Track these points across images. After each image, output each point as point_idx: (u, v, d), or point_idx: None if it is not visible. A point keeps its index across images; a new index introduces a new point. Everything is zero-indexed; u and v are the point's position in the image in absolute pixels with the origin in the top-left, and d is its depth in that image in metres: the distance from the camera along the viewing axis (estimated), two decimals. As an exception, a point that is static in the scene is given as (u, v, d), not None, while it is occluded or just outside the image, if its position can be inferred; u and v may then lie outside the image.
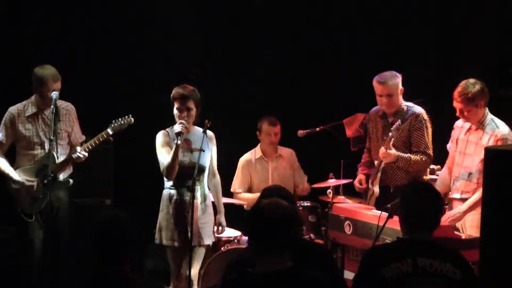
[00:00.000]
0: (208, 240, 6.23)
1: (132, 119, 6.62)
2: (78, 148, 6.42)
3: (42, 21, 8.18)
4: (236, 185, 7.69)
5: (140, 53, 8.42)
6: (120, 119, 6.56)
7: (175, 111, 6.15)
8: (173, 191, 6.16)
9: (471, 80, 6.01)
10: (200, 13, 8.50)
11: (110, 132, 6.53)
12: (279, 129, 7.59)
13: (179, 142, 5.95)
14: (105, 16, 8.31)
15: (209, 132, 6.26)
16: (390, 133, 6.31)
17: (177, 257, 6.20)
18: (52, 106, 6.19)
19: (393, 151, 6.31)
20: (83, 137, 6.65)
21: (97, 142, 6.48)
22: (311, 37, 8.63)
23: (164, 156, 6.10)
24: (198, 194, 6.12)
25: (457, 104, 6.00)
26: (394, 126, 6.29)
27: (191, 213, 5.95)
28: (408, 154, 6.42)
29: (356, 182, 6.82)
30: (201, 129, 6.20)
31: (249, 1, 8.53)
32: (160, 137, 6.21)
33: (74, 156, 6.41)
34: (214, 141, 6.33)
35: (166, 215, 6.17)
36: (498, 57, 8.24)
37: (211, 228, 6.30)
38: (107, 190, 7.71)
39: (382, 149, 6.34)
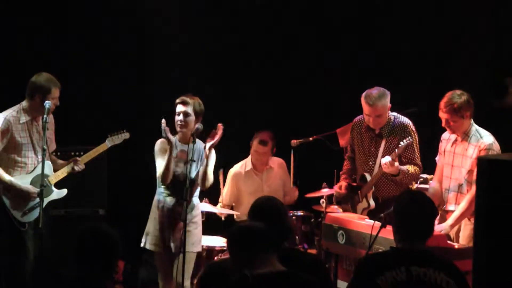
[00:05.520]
0: (193, 248, 6.24)
1: (128, 134, 6.68)
2: (79, 159, 6.49)
3: (36, 26, 8.19)
4: (222, 197, 7.67)
5: (135, 60, 8.43)
6: (116, 133, 6.62)
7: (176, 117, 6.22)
8: (162, 198, 6.24)
9: (458, 91, 6.07)
10: (199, 15, 8.53)
11: (109, 145, 6.59)
12: (269, 149, 7.53)
13: (174, 152, 6.09)
14: (100, 22, 8.35)
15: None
16: (396, 150, 6.32)
17: (162, 262, 6.31)
18: (45, 116, 6.16)
19: (397, 163, 6.32)
20: (55, 146, 6.66)
21: (95, 154, 6.57)
22: (308, 47, 8.65)
23: (160, 163, 6.18)
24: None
25: (443, 115, 6.06)
26: (404, 143, 6.29)
27: (183, 222, 5.98)
28: (406, 167, 6.44)
29: (336, 187, 6.85)
30: (200, 142, 6.24)
31: (249, 6, 8.55)
32: (158, 144, 6.29)
33: (76, 168, 6.45)
34: (212, 156, 6.29)
35: (154, 221, 6.27)
36: (492, 68, 8.26)
37: (198, 237, 6.34)
38: (100, 199, 7.70)
39: (388, 159, 6.28)
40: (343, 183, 6.81)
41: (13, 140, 6.30)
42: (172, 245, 6.19)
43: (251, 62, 8.52)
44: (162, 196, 6.27)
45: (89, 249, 4.05)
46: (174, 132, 6.29)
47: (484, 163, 4.01)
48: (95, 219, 7.49)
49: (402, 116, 6.60)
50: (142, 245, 6.34)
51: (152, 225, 6.30)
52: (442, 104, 6.05)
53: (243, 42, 8.54)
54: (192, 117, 6.20)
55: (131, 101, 8.36)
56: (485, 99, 7.91)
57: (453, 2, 8.36)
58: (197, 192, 6.34)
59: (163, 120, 6.09)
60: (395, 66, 8.37)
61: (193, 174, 6.16)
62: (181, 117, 6.19)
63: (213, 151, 6.25)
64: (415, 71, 8.37)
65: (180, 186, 6.10)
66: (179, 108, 6.21)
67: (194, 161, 6.09)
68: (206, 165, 6.17)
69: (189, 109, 6.18)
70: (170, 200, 6.24)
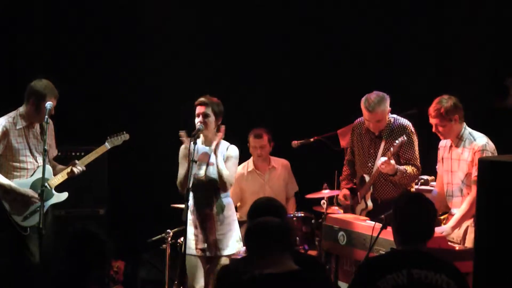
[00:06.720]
0: (227, 251, 6.18)
1: (128, 135, 6.67)
2: (77, 161, 6.45)
3: (36, 26, 8.19)
4: None
5: (138, 60, 8.43)
6: (116, 134, 6.61)
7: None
8: (191, 203, 6.15)
9: (445, 96, 6.11)
10: (200, 16, 8.52)
11: (108, 147, 6.58)
12: (266, 141, 7.55)
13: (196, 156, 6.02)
14: (102, 20, 8.34)
15: (232, 147, 6.27)
16: (392, 148, 6.33)
17: (193, 266, 6.17)
18: (46, 116, 6.15)
19: (393, 162, 6.32)
20: (56, 151, 6.65)
21: (95, 156, 6.55)
22: (309, 48, 8.64)
23: (179, 170, 6.17)
24: (214, 206, 6.16)
25: (432, 120, 6.11)
26: (398, 142, 6.30)
27: (184, 223, 5.96)
28: (404, 167, 6.43)
29: (341, 197, 6.84)
30: (224, 142, 6.23)
31: (248, 6, 8.54)
32: (181, 150, 6.24)
33: (75, 170, 6.42)
34: (232, 153, 6.28)
35: (189, 226, 6.17)
36: (492, 69, 8.26)
37: (232, 239, 6.26)
38: (101, 199, 7.69)
39: (384, 159, 6.30)
40: (346, 192, 6.81)
41: (10, 145, 6.26)
42: (205, 247, 6.15)
43: (251, 63, 8.50)
44: (192, 200, 6.19)
45: (75, 249, 4.15)
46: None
47: (485, 165, 4.01)
48: (96, 219, 7.48)
49: (402, 118, 6.60)
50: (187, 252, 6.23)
51: (186, 230, 6.14)
52: (430, 110, 6.11)
53: (243, 42, 8.53)
54: (212, 118, 6.15)
55: (131, 101, 8.35)
56: (485, 100, 7.92)
57: (453, 2, 8.36)
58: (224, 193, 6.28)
59: (181, 133, 6.07)
60: (395, 67, 8.36)
61: (197, 175, 6.14)
62: (200, 118, 6.14)
63: (233, 150, 6.25)
64: (415, 71, 8.37)
65: (203, 188, 6.10)
66: (198, 110, 6.16)
67: (196, 161, 6.06)
68: (218, 166, 6.14)
69: (208, 110, 6.14)
70: (197, 204, 6.18)
